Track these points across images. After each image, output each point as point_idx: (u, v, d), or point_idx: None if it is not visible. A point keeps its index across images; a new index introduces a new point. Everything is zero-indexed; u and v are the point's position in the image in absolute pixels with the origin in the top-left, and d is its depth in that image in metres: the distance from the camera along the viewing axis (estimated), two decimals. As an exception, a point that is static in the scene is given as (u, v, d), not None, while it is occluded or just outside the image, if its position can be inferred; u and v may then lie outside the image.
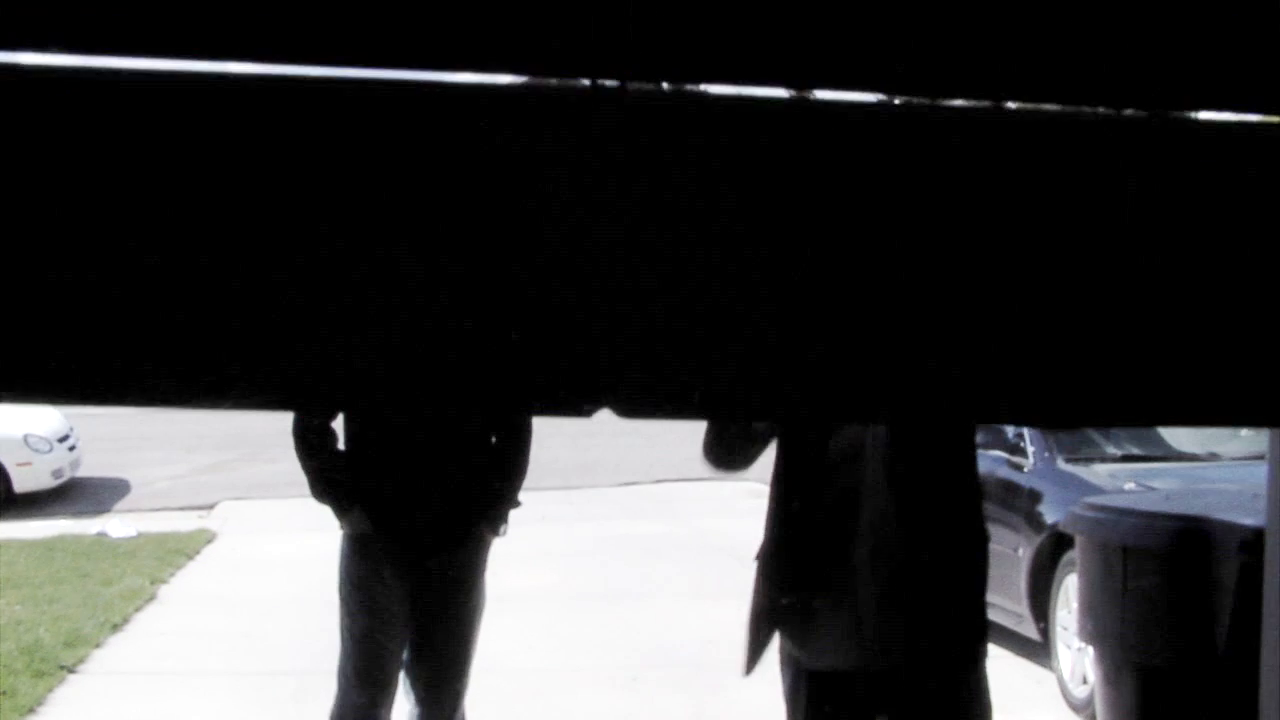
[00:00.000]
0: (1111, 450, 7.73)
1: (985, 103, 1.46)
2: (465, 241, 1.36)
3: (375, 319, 1.36)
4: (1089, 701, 6.28)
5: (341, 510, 4.43)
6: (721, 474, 3.54)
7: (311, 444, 4.43)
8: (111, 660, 7.49)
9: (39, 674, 6.91)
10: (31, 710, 6.44)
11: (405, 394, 1.44)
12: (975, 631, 3.25)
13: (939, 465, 3.17)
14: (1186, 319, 1.47)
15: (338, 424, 4.50)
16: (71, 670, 7.13)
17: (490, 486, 4.51)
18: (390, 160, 1.34)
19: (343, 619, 4.51)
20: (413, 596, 4.45)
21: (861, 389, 1.47)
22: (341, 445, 4.49)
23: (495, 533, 4.58)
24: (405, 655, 4.52)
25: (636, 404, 1.45)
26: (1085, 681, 6.47)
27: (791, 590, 3.35)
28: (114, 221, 1.31)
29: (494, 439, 4.57)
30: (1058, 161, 1.44)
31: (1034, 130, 1.46)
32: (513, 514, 4.61)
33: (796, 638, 3.36)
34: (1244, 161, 1.46)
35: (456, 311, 1.37)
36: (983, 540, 3.29)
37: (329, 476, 4.42)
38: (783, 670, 3.53)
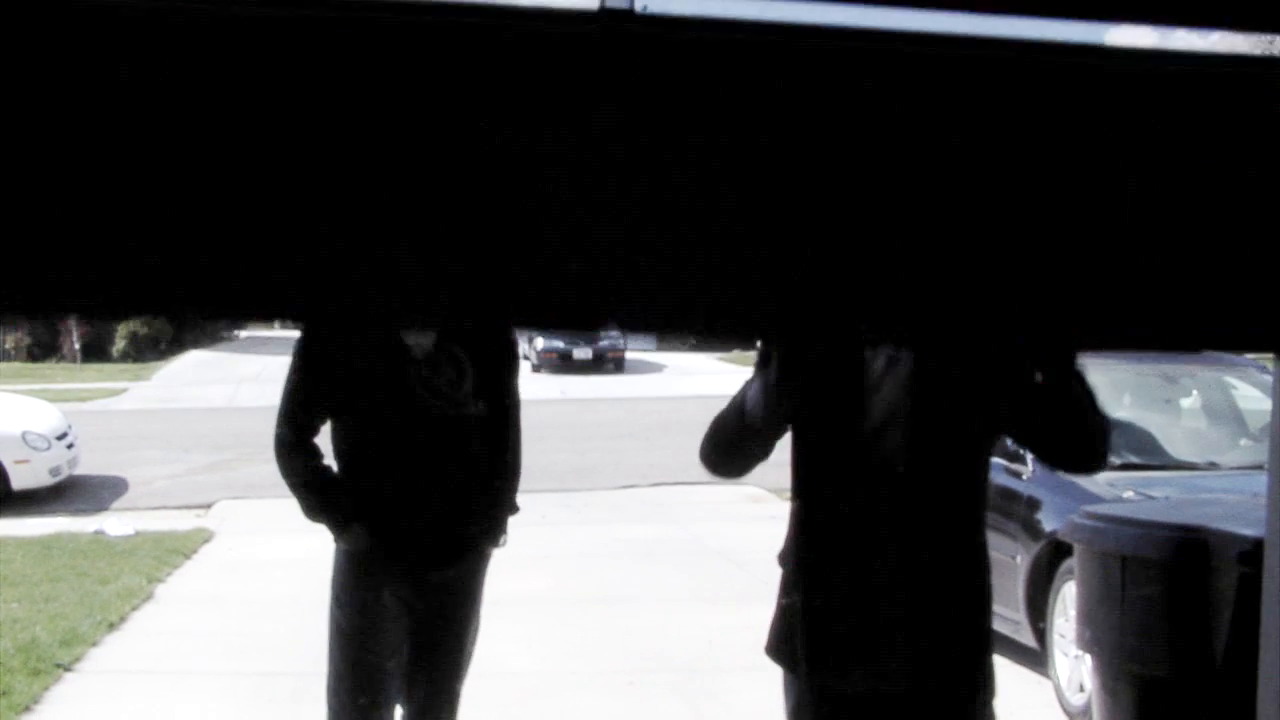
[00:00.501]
0: (1111, 458, 7.71)
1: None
2: (464, 169, 1.36)
3: (374, 230, 1.35)
4: (1086, 709, 6.28)
5: (339, 527, 4.25)
6: (719, 478, 3.42)
7: (296, 459, 4.26)
8: (108, 659, 7.48)
9: (35, 672, 6.90)
10: (28, 709, 6.44)
11: (407, 306, 1.43)
12: (979, 663, 3.14)
13: (952, 476, 3.08)
14: (1189, 245, 1.47)
15: (323, 441, 4.31)
16: (68, 669, 7.13)
17: (491, 499, 4.38)
18: (386, 78, 1.34)
19: (333, 639, 4.33)
20: (411, 611, 4.29)
21: (876, 312, 1.47)
22: (330, 461, 4.31)
23: (496, 544, 4.45)
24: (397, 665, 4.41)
25: (639, 320, 1.45)
26: (1082, 690, 6.47)
27: (795, 590, 3.24)
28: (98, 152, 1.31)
29: (490, 444, 4.39)
30: (1058, 94, 1.44)
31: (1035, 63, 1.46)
32: (510, 518, 4.50)
33: (804, 646, 3.21)
34: (1241, 93, 1.46)
35: (458, 225, 1.36)
36: (982, 560, 3.19)
37: (321, 493, 4.25)
38: (786, 684, 3.32)
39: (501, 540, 4.46)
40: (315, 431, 4.26)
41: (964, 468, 3.07)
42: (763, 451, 3.18)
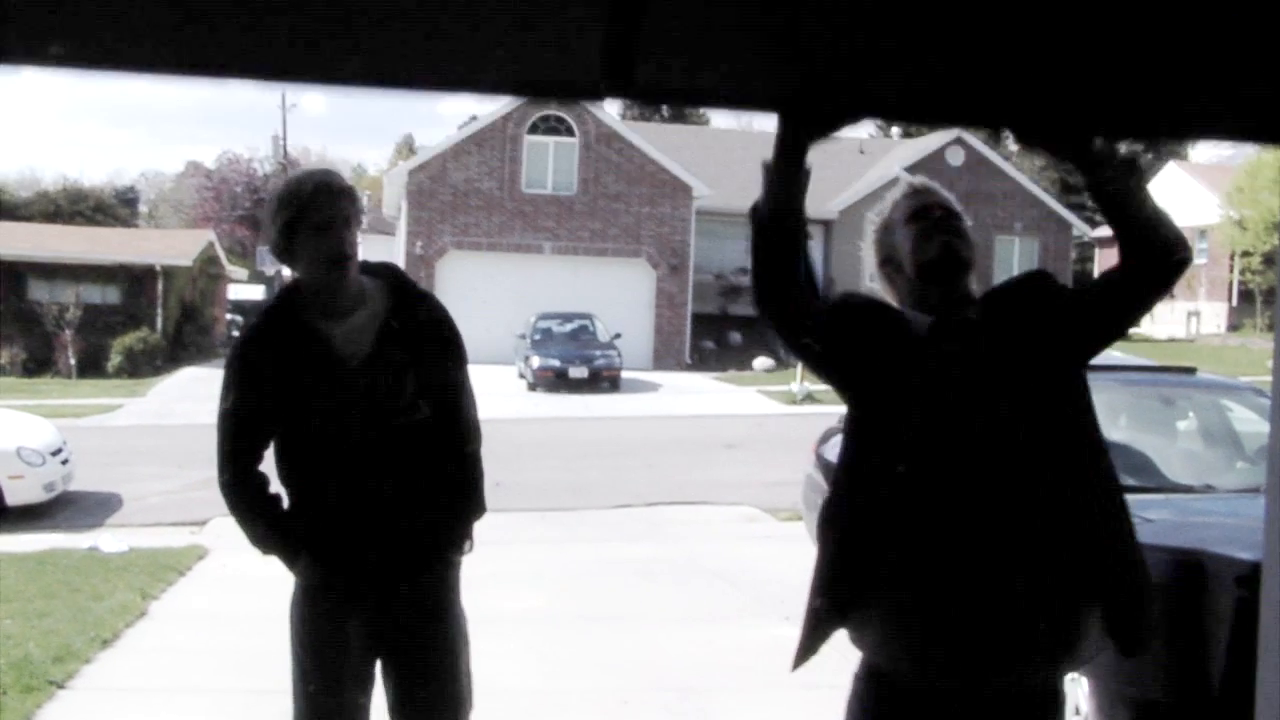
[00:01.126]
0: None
1: None
2: None
3: None
4: (1081, 732, 6.26)
5: (289, 558, 4.07)
6: (774, 318, 3.16)
7: (242, 493, 4.03)
8: (101, 676, 7.46)
9: (28, 689, 6.88)
10: (19, 725, 6.42)
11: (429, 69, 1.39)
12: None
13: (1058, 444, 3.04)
14: (1200, 34, 1.45)
15: (268, 468, 4.07)
16: (61, 686, 7.10)
17: (449, 505, 4.09)
18: None
19: (295, 680, 4.16)
20: (380, 639, 4.05)
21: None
22: (278, 488, 4.08)
23: (461, 551, 4.18)
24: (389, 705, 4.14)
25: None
26: (1078, 713, 6.45)
27: (822, 594, 3.17)
28: None
29: (449, 466, 4.11)
30: None
31: None
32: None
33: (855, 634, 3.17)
34: None
35: None
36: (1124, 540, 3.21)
37: (268, 523, 4.05)
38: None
39: (467, 547, 4.20)
40: (258, 460, 4.02)
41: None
42: (785, 251, 3.05)
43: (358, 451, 3.87)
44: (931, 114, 3.09)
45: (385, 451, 3.89)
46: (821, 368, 3.32)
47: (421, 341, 3.98)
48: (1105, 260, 56.61)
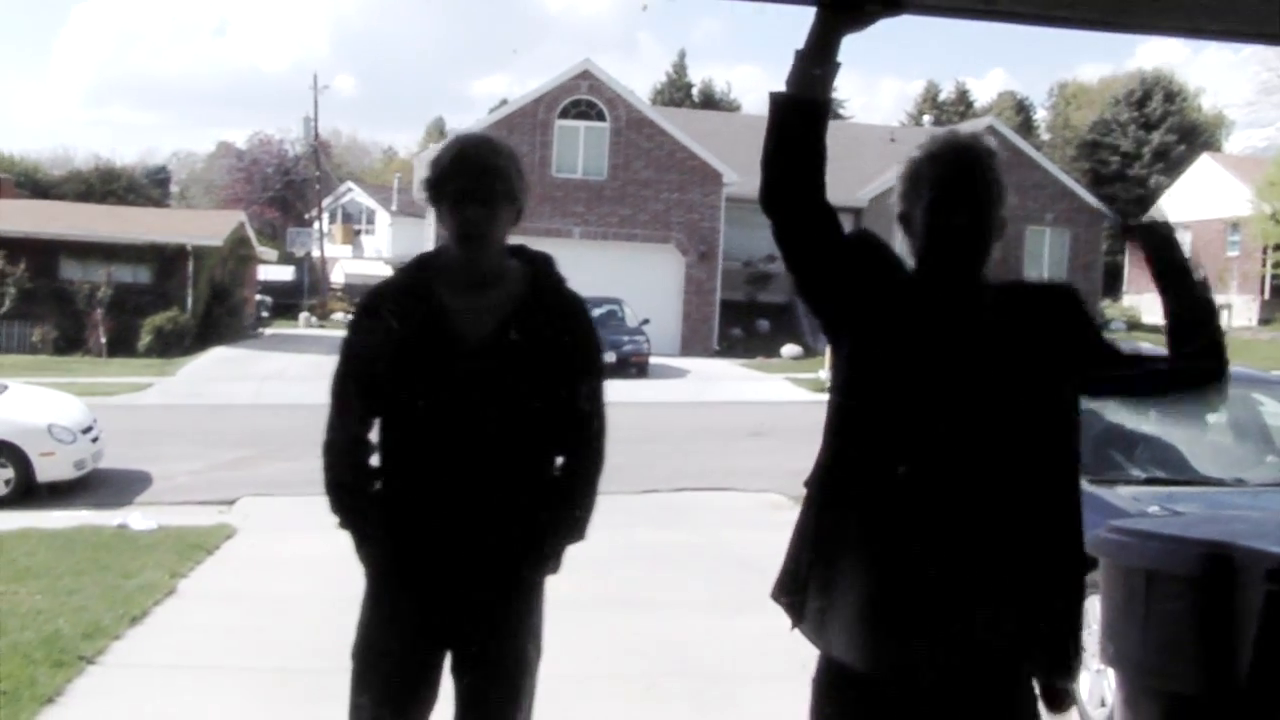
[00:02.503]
0: (1136, 473, 7.68)
1: None
2: None
3: None
4: (1107, 725, 6.25)
5: (361, 535, 3.82)
6: (781, 212, 3.08)
7: (341, 454, 3.80)
8: (130, 653, 7.51)
9: (58, 664, 6.93)
10: (51, 700, 6.46)
11: None
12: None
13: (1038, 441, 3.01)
14: None
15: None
16: (91, 661, 7.15)
17: (549, 516, 3.82)
18: None
19: (353, 695, 3.90)
20: (442, 644, 3.83)
21: None
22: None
23: (544, 571, 3.92)
24: None
25: None
26: (1104, 704, 6.44)
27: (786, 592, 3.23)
28: None
29: (560, 461, 3.88)
30: None
31: None
32: (570, 545, 4.06)
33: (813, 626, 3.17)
34: None
35: None
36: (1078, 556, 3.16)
37: (356, 493, 3.80)
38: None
39: (551, 567, 3.93)
40: (367, 426, 3.79)
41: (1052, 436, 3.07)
42: (801, 138, 3.02)
43: (457, 435, 3.64)
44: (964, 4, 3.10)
45: (485, 440, 3.64)
46: (815, 291, 3.17)
47: (547, 335, 3.71)
48: (1136, 252, 56.28)
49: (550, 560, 3.91)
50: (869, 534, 2.99)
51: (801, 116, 3.01)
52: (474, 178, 3.65)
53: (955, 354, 3.00)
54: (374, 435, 3.82)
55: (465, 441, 3.63)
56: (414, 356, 3.66)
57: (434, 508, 3.68)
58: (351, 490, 3.81)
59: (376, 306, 3.78)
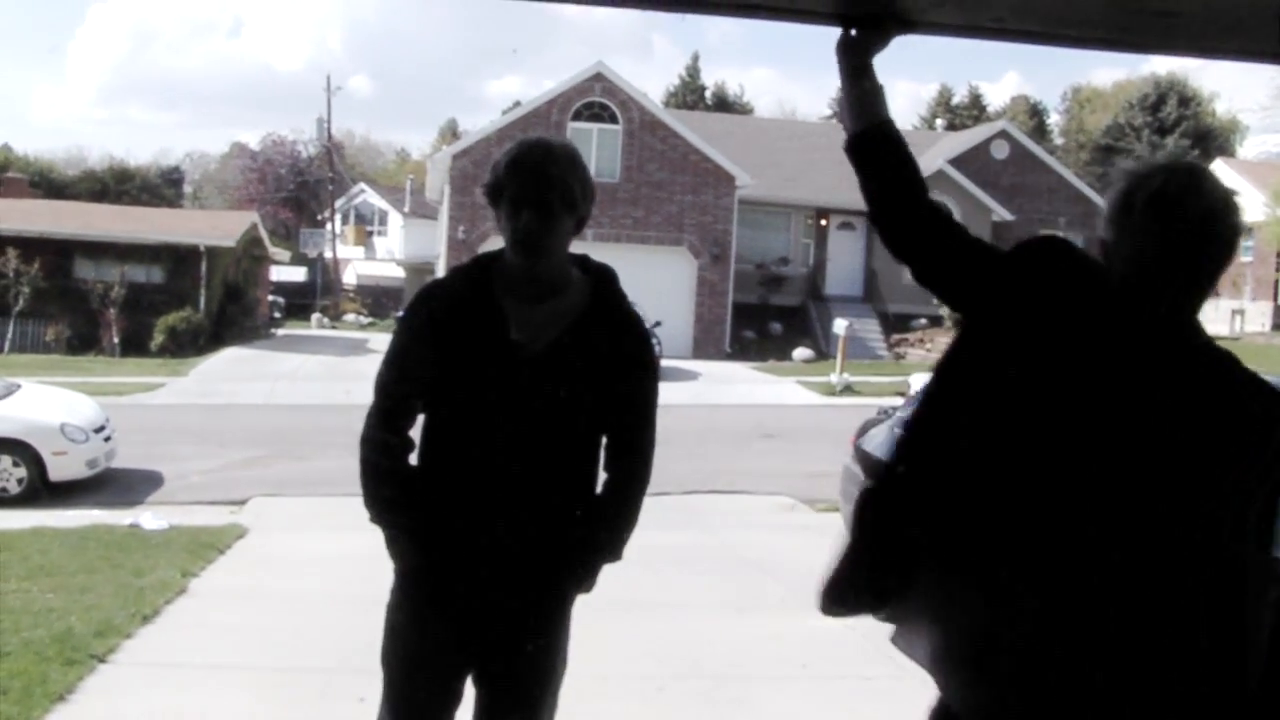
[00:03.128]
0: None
1: None
2: None
3: None
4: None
5: (394, 534, 3.72)
6: (898, 237, 2.94)
7: (381, 448, 3.65)
8: (142, 651, 7.53)
9: (70, 662, 6.95)
10: (63, 697, 6.48)
11: None
12: None
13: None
14: None
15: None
16: (102, 660, 7.17)
17: (580, 533, 3.72)
18: None
19: (385, 703, 3.84)
20: (469, 651, 3.76)
21: None
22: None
23: (579, 587, 3.87)
24: None
25: None
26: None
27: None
28: None
29: (604, 478, 3.79)
30: None
31: None
32: (607, 564, 3.92)
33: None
34: None
35: None
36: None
37: (394, 489, 3.65)
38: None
39: (586, 585, 3.88)
40: (408, 423, 3.68)
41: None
42: (889, 161, 2.99)
43: (503, 442, 3.54)
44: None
45: (531, 450, 3.56)
46: (952, 287, 2.92)
47: (604, 351, 3.61)
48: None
49: (586, 578, 3.86)
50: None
51: (875, 144, 2.99)
52: (529, 186, 3.54)
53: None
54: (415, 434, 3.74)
55: (510, 450, 3.54)
56: (467, 360, 3.55)
57: (473, 513, 3.60)
58: (388, 480, 3.66)
59: (431, 305, 3.67)
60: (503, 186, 3.56)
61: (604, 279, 3.75)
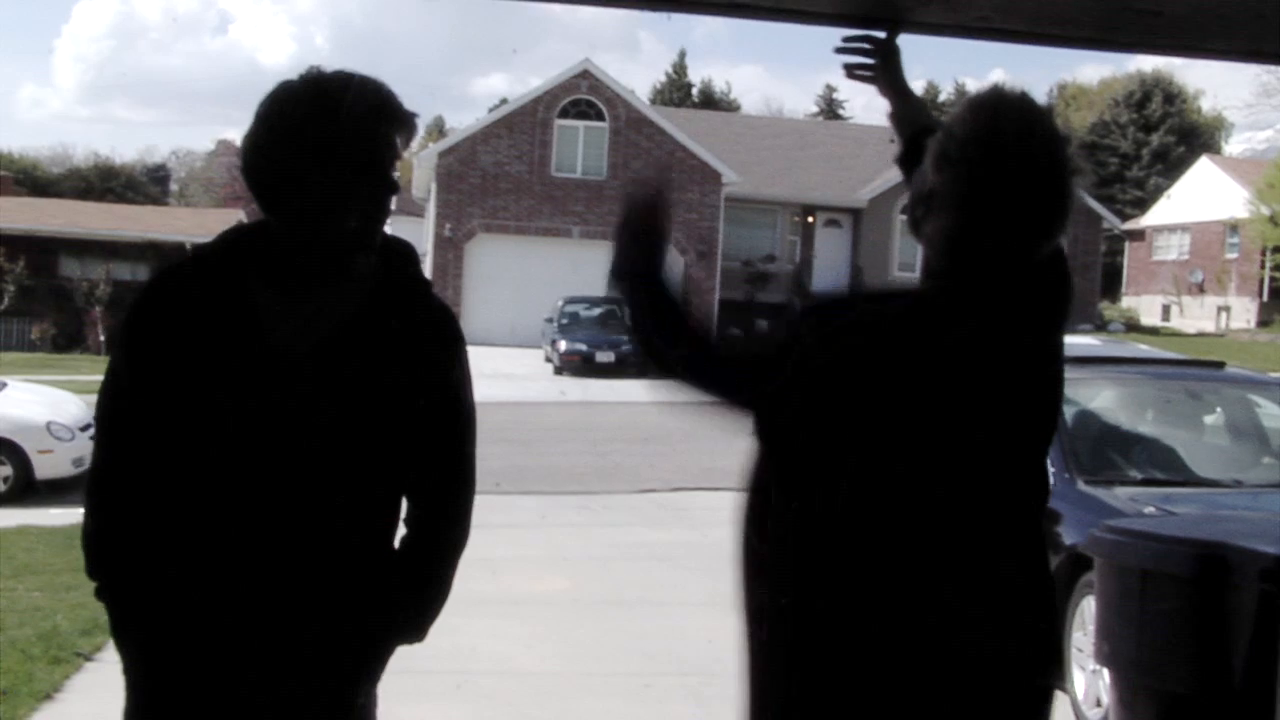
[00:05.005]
0: (1133, 473, 7.70)
1: None
2: None
3: None
4: (1102, 724, 6.27)
5: (125, 614, 2.71)
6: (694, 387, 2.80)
7: (109, 505, 2.65)
8: (127, 650, 7.51)
9: (56, 660, 6.94)
10: (49, 696, 6.47)
11: None
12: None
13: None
14: None
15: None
16: (88, 658, 7.16)
17: (384, 614, 2.74)
18: None
19: None
20: None
21: None
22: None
23: (358, 695, 2.76)
24: None
25: None
26: (1099, 704, 6.45)
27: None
28: None
29: (400, 539, 2.80)
30: None
31: None
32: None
33: None
34: None
35: None
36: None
37: (122, 553, 2.63)
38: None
39: (363, 696, 2.78)
40: (138, 466, 2.60)
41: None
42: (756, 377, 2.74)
43: (265, 490, 2.54)
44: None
45: (305, 500, 2.56)
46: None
47: (399, 356, 2.66)
48: (1135, 254, 56.41)
49: (378, 672, 2.82)
50: None
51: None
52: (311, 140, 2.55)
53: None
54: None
55: (276, 500, 2.55)
56: (210, 377, 2.54)
57: (229, 595, 2.57)
58: (120, 546, 2.64)
59: (157, 306, 2.63)
60: (278, 142, 2.58)
61: (399, 259, 2.79)
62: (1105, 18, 3.37)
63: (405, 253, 2.82)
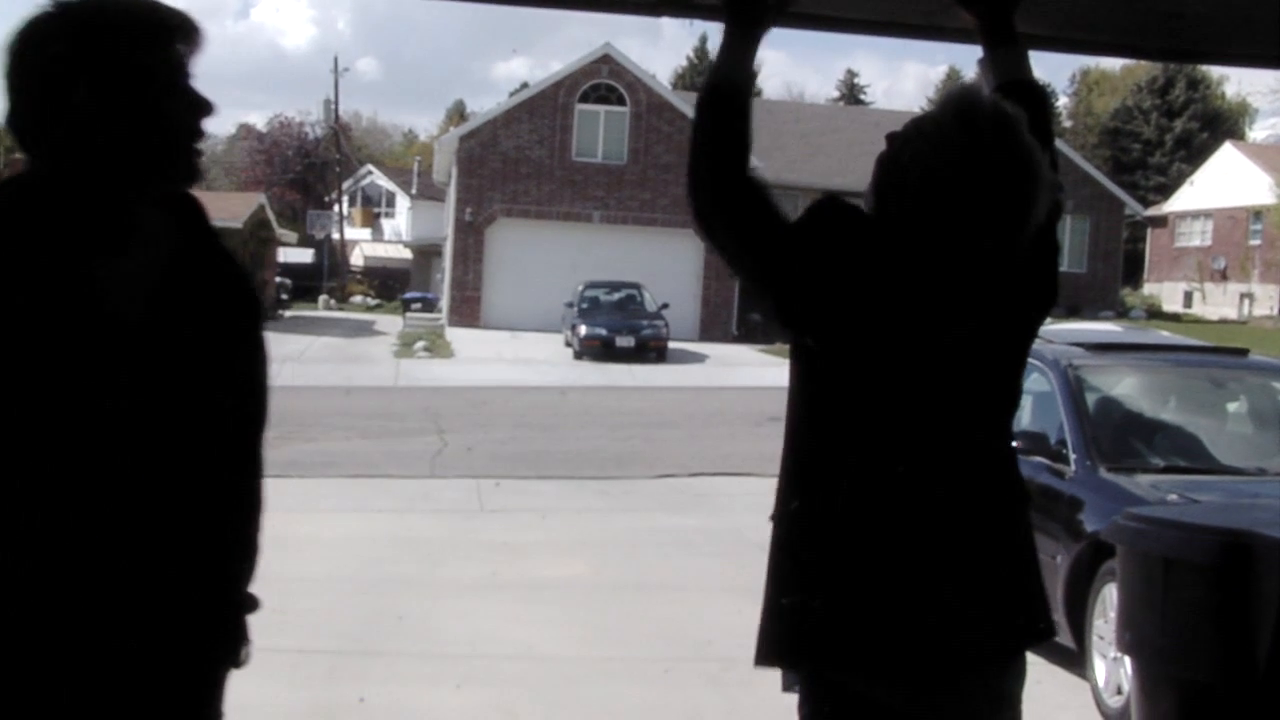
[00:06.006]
0: (1155, 461, 7.66)
1: None
2: None
3: None
4: (1123, 712, 6.24)
5: None
6: (707, 196, 2.86)
7: None
8: (148, 632, 7.53)
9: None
10: (68, 678, 6.49)
11: None
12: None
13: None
14: None
15: None
16: None
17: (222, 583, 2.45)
18: None
19: None
20: None
21: None
22: None
23: (231, 660, 2.56)
24: None
25: None
26: (1120, 692, 6.43)
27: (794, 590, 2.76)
28: None
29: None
30: None
31: None
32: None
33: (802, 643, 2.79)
34: None
35: None
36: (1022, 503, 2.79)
37: None
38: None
39: (244, 654, 2.58)
40: None
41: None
42: (733, 126, 2.84)
43: (102, 470, 2.17)
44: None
45: (140, 476, 2.20)
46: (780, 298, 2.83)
47: (218, 305, 2.36)
48: (1157, 240, 56.19)
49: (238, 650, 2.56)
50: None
51: (731, 104, 2.91)
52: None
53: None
54: None
55: (115, 480, 2.18)
56: (29, 350, 2.13)
57: (59, 608, 2.17)
58: None
59: None
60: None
61: (192, 213, 2.41)
62: (1129, 20, 3.35)
63: (194, 205, 2.42)
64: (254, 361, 2.43)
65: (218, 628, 2.46)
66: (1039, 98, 2.82)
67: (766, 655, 2.86)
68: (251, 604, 2.55)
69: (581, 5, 3.57)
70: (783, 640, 2.81)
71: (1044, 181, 2.55)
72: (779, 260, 2.77)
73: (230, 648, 2.51)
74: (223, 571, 2.42)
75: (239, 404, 2.37)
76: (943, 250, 2.58)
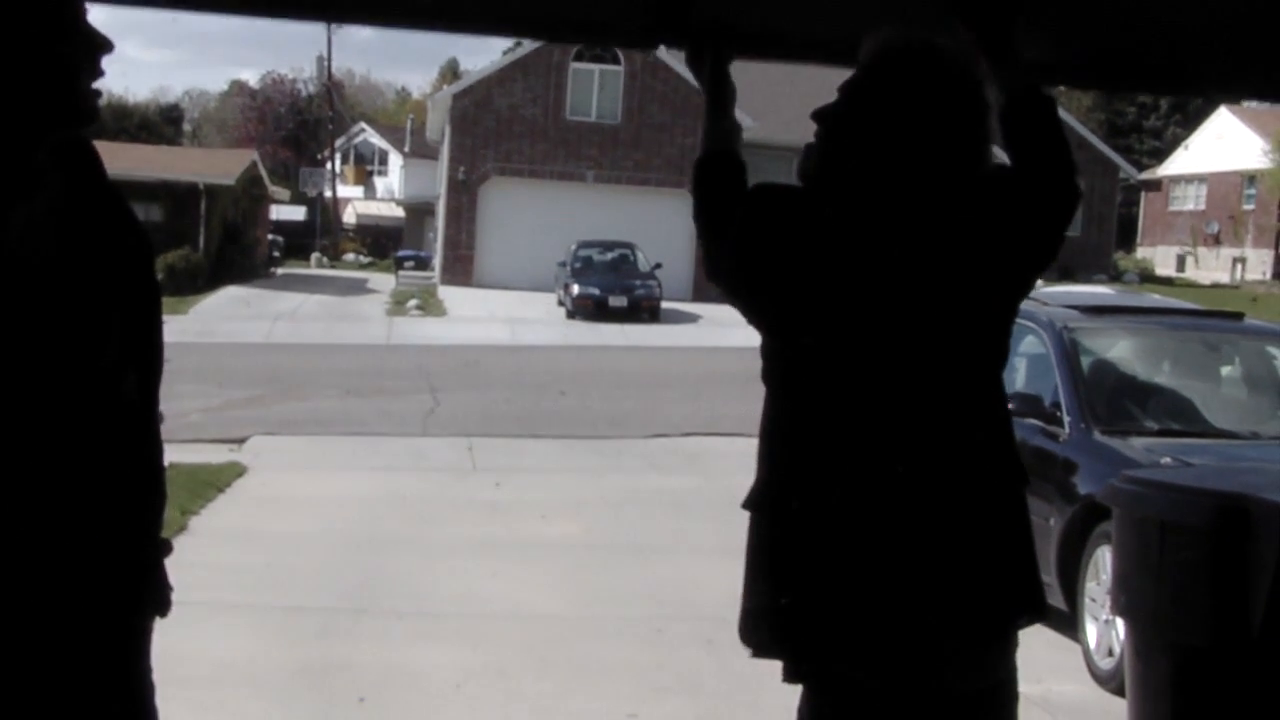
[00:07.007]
0: (1149, 424, 7.66)
1: None
2: None
3: None
4: (1114, 674, 6.25)
5: None
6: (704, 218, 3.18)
7: None
8: (140, 589, 7.53)
9: (68, 599, 6.96)
10: (59, 635, 6.49)
11: None
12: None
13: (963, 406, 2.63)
14: None
15: None
16: (100, 597, 7.18)
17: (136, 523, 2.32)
18: None
19: None
20: None
21: None
22: None
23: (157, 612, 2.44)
24: None
25: None
26: (1111, 654, 6.44)
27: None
28: None
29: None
30: None
31: None
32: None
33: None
34: None
35: None
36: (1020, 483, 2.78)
37: None
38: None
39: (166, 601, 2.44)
40: None
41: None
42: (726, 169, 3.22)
43: (21, 417, 2.07)
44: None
45: (58, 419, 2.12)
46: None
47: (113, 249, 2.26)
48: (1150, 204, 56.14)
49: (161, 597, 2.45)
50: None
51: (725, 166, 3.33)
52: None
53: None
54: None
55: (16, 433, 2.07)
56: None
57: None
58: None
59: None
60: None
61: (83, 161, 2.37)
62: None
63: (87, 150, 2.37)
64: (150, 305, 2.39)
65: (139, 575, 2.35)
66: (1046, 110, 2.83)
67: (768, 647, 2.94)
68: (166, 549, 2.43)
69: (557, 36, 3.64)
70: (776, 630, 2.89)
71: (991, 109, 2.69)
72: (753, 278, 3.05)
73: (154, 595, 2.42)
74: (137, 516, 2.32)
75: (137, 348, 2.33)
76: (902, 196, 2.66)
